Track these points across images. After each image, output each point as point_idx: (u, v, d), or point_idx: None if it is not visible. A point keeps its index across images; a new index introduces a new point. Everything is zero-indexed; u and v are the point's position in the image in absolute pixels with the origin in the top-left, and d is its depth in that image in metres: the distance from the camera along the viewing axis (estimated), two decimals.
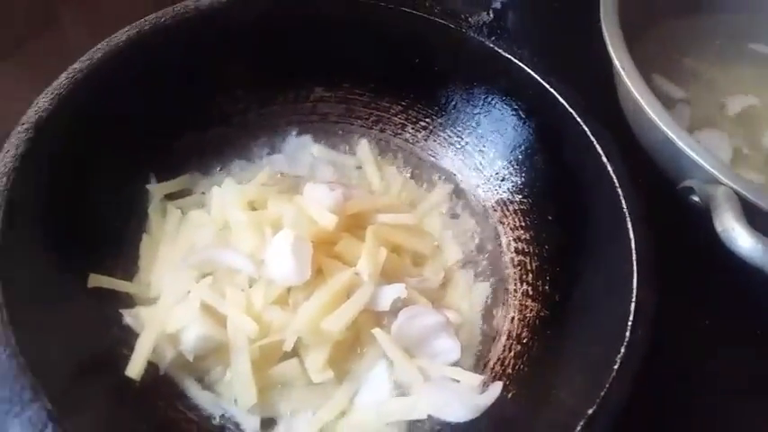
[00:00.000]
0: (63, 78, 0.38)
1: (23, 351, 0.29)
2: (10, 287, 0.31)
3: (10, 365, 0.29)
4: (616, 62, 0.42)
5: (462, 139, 0.46)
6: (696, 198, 0.38)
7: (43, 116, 0.36)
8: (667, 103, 0.46)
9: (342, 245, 0.39)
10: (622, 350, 0.31)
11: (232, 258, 0.38)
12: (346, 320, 0.35)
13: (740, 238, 0.34)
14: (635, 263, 0.34)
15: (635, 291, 0.33)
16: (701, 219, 0.37)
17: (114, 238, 0.40)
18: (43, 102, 0.37)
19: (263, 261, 0.37)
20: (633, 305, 0.33)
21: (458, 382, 0.37)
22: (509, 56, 0.42)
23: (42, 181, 0.36)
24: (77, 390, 0.31)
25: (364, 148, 0.47)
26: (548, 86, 0.41)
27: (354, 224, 0.40)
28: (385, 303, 0.37)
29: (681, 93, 0.51)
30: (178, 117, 0.43)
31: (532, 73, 0.41)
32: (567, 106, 0.40)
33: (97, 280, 0.37)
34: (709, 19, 0.55)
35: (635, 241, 0.35)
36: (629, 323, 0.32)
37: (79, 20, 0.70)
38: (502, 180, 0.44)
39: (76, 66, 0.39)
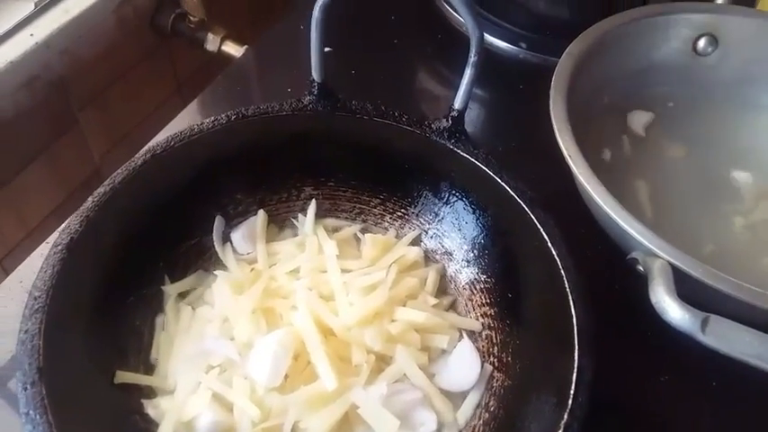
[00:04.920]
0: (90, 202, 0.43)
1: None
2: (52, 387, 0.36)
3: None
4: (564, 150, 0.47)
5: (432, 226, 0.52)
6: (641, 268, 0.43)
7: (74, 237, 0.42)
8: None
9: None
10: (565, 416, 0.36)
11: (222, 349, 0.43)
12: (331, 422, 0.40)
13: (670, 309, 0.38)
14: (576, 335, 0.39)
15: (576, 360, 0.38)
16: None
17: (136, 336, 0.45)
18: (74, 224, 0.42)
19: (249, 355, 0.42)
20: (575, 374, 0.38)
21: None
22: (466, 155, 0.48)
23: (75, 293, 0.41)
24: None
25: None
26: (499, 181, 0.46)
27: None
28: (369, 403, 0.41)
29: None
30: (187, 223, 0.50)
31: (486, 169, 0.47)
32: (516, 198, 0.45)
33: (123, 376, 0.42)
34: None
35: (576, 316, 0.40)
36: (572, 390, 0.37)
37: (95, 123, 0.79)
38: (468, 262, 0.50)
39: (101, 189, 0.44)
